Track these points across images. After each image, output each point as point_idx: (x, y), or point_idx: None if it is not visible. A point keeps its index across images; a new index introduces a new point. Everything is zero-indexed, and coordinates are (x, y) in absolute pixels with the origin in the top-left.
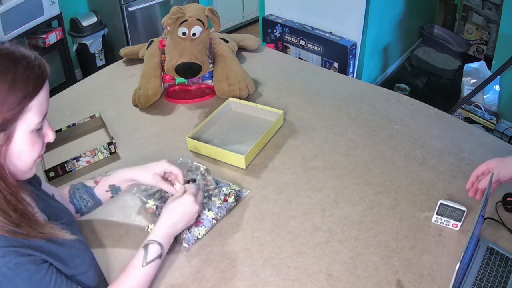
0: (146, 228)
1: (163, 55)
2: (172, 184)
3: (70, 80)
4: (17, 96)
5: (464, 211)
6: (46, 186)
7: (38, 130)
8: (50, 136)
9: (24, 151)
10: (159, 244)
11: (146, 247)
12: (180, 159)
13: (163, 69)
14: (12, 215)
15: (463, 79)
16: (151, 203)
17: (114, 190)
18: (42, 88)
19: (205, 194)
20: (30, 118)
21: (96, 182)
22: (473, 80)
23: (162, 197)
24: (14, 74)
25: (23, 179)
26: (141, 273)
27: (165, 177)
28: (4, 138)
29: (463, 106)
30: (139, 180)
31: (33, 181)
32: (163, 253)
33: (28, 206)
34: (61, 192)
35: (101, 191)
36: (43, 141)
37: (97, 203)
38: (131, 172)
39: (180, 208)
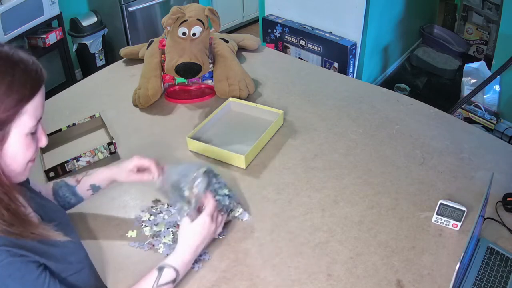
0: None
1: (163, 55)
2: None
3: (70, 80)
4: (14, 98)
5: (464, 211)
6: (33, 184)
7: (33, 134)
8: (43, 141)
9: (18, 153)
10: (175, 270)
11: (161, 269)
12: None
13: (163, 69)
14: (4, 214)
15: (463, 79)
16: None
17: (95, 188)
18: (38, 93)
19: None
20: (25, 121)
21: (78, 181)
22: (473, 80)
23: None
24: (12, 77)
25: (16, 181)
26: None
27: (141, 170)
28: None
29: (463, 106)
30: (116, 178)
31: (25, 182)
32: (178, 279)
33: (21, 206)
34: (46, 188)
35: (82, 189)
36: (36, 145)
37: (79, 200)
38: (108, 172)
39: (198, 233)
